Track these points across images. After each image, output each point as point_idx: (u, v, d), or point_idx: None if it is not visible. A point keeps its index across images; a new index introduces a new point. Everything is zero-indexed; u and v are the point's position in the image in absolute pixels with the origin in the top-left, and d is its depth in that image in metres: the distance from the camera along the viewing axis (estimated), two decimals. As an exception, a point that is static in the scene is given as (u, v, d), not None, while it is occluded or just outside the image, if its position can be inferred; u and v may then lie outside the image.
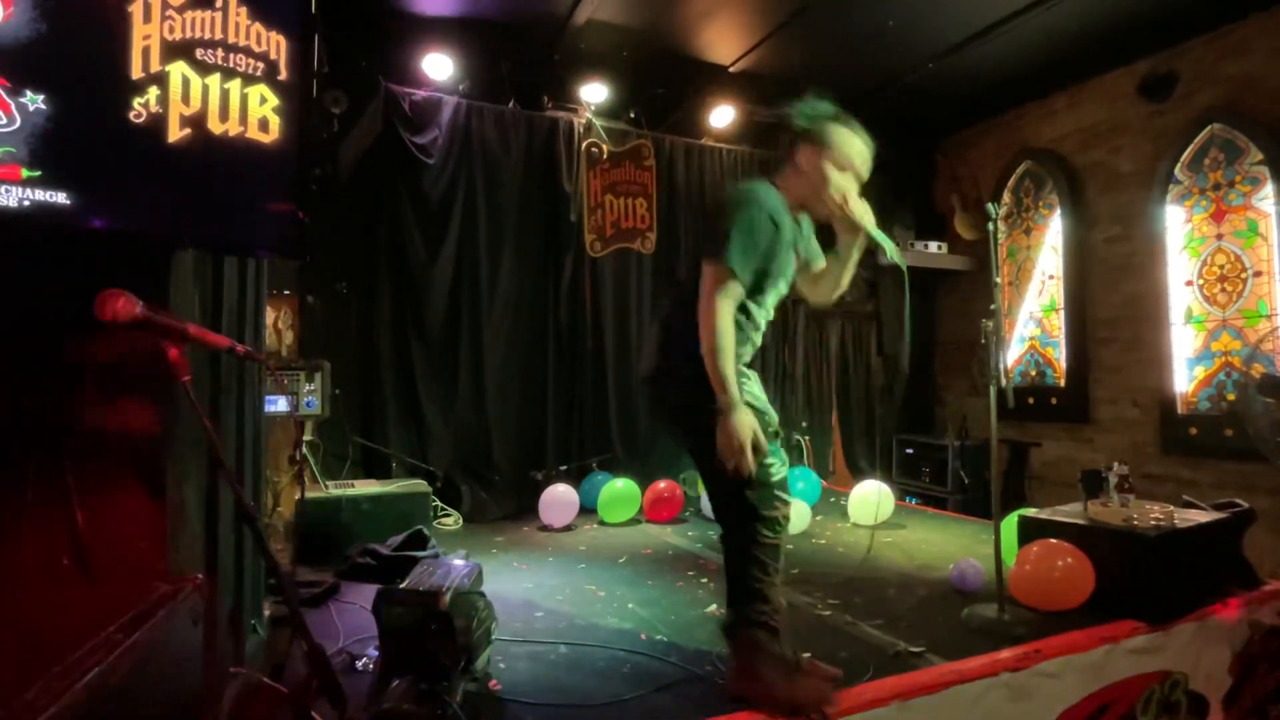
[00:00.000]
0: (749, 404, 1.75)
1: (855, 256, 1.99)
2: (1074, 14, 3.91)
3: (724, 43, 4.35)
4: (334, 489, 3.40)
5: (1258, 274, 3.91)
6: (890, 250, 1.99)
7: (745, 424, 1.67)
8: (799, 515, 3.61)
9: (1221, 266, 4.07)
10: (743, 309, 1.81)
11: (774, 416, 1.89)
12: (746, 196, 1.79)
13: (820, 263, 2.07)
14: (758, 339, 1.94)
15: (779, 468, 1.81)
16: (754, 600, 1.74)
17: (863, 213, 1.88)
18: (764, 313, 1.92)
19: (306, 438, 3.69)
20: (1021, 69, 4.61)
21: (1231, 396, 3.95)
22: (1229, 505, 2.73)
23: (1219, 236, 4.09)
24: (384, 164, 4.14)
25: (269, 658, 2.02)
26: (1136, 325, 4.45)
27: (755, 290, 1.83)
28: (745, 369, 1.90)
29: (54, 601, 1.13)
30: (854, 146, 1.87)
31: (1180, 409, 4.20)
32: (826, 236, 2.05)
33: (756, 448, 1.69)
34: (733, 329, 1.72)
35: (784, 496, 1.81)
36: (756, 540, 1.75)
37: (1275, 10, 3.76)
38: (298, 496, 3.47)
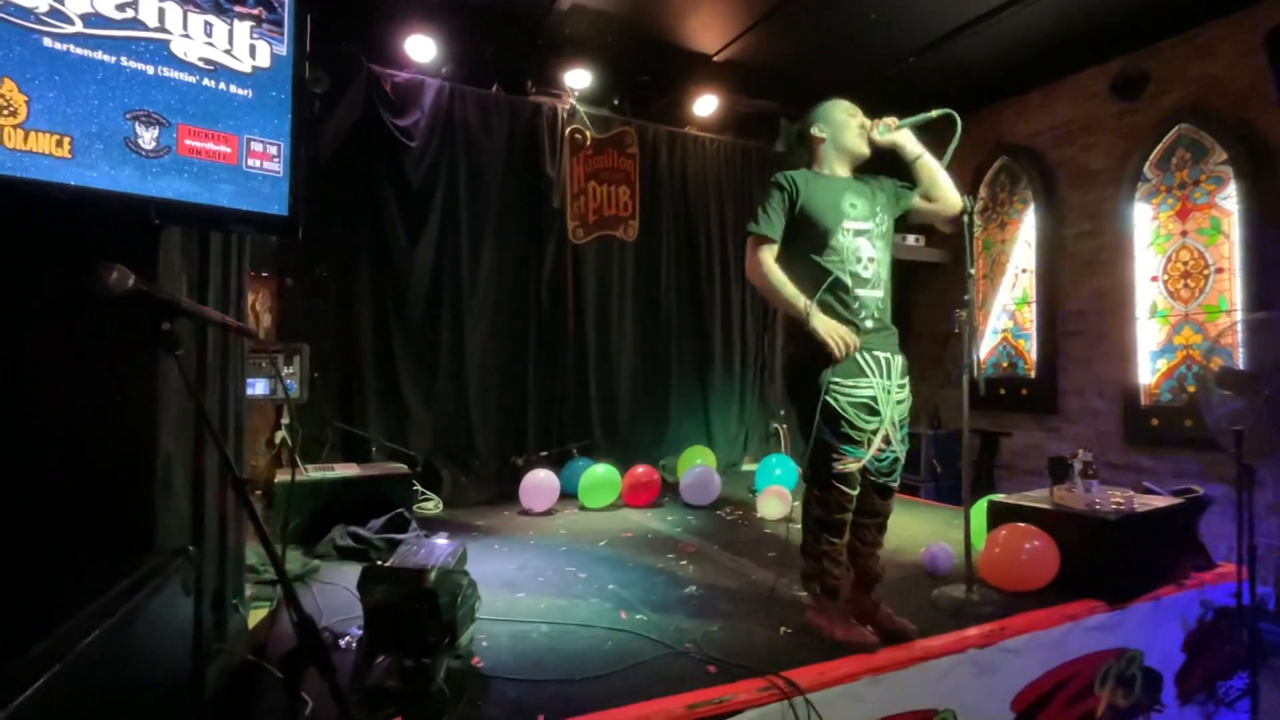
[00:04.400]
0: (841, 397, 2.02)
1: (918, 152, 2.24)
2: (1050, 12, 3.98)
3: (708, 32, 4.36)
4: (313, 472, 3.39)
5: (1219, 270, 4.05)
6: (933, 115, 2.23)
7: (823, 325, 1.99)
8: (779, 500, 3.68)
9: (1185, 263, 4.21)
10: (808, 263, 2.08)
11: (868, 420, 2.06)
12: (769, 184, 2.14)
13: (909, 196, 2.30)
14: (843, 295, 2.08)
15: (847, 463, 2.04)
16: (818, 560, 2.11)
17: (889, 120, 2.19)
18: (837, 261, 2.08)
19: (285, 420, 3.67)
20: (999, 65, 4.69)
21: (1192, 388, 4.10)
22: (1187, 491, 2.85)
23: (1184, 234, 4.22)
24: (365, 146, 4.10)
25: (251, 638, 2.02)
26: (1103, 319, 4.58)
27: (808, 244, 2.09)
28: (863, 356, 2.06)
29: (48, 571, 1.13)
30: (836, 105, 2.24)
31: (1143, 400, 4.34)
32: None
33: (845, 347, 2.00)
34: (774, 269, 2.06)
35: (843, 487, 2.05)
36: (815, 514, 2.11)
37: (1241, 14, 3.87)
38: (277, 479, 3.45)
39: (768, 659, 1.92)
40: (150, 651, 1.15)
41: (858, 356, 2.04)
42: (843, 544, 2.12)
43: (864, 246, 2.11)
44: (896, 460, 2.17)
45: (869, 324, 2.08)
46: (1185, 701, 2.54)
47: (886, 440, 2.10)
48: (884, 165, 2.32)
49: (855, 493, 2.08)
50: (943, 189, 2.23)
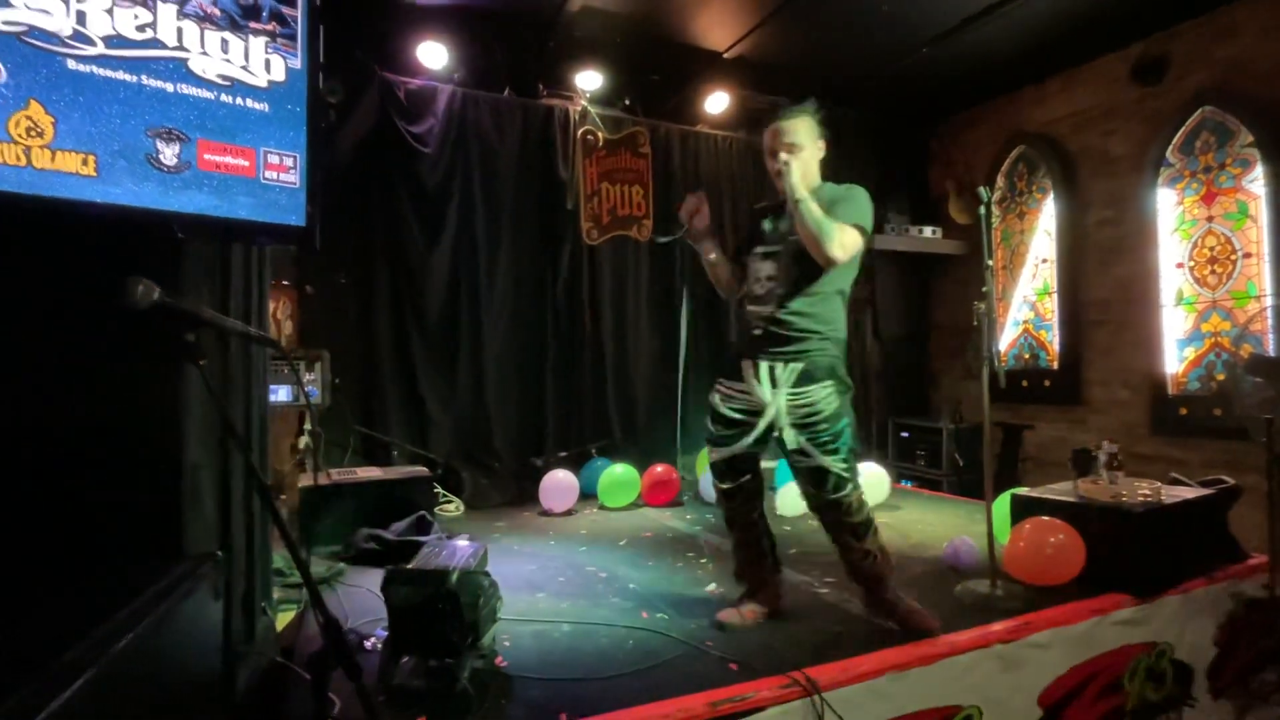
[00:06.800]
0: (716, 394, 2.30)
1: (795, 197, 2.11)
2: (1067, -3, 3.93)
3: (718, 29, 4.35)
4: (337, 476, 3.44)
5: (1247, 255, 3.96)
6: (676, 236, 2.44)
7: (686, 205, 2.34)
8: (795, 499, 3.66)
9: (1212, 248, 4.12)
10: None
11: (733, 415, 2.22)
12: None
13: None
14: (739, 311, 2.35)
15: (713, 455, 2.29)
16: None
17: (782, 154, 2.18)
18: (747, 283, 2.31)
19: (307, 426, 3.73)
20: (1016, 53, 4.62)
21: (1221, 376, 4.02)
22: (1216, 482, 2.79)
23: (1209, 219, 4.13)
24: (380, 154, 4.15)
25: (279, 640, 2.06)
26: (1128, 308, 4.50)
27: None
28: (743, 362, 2.24)
29: (80, 576, 1.17)
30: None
31: (1171, 389, 4.26)
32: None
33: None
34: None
35: (716, 480, 2.30)
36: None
37: (1265, -7, 3.78)
38: (300, 483, 3.50)
39: (789, 656, 1.91)
40: (182, 654, 1.18)
41: (742, 363, 2.22)
42: (739, 538, 2.32)
43: (765, 267, 2.25)
44: (820, 469, 2.08)
45: (756, 332, 2.20)
46: (1218, 696, 2.49)
47: (804, 453, 2.09)
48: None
49: (726, 486, 2.27)
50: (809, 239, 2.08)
